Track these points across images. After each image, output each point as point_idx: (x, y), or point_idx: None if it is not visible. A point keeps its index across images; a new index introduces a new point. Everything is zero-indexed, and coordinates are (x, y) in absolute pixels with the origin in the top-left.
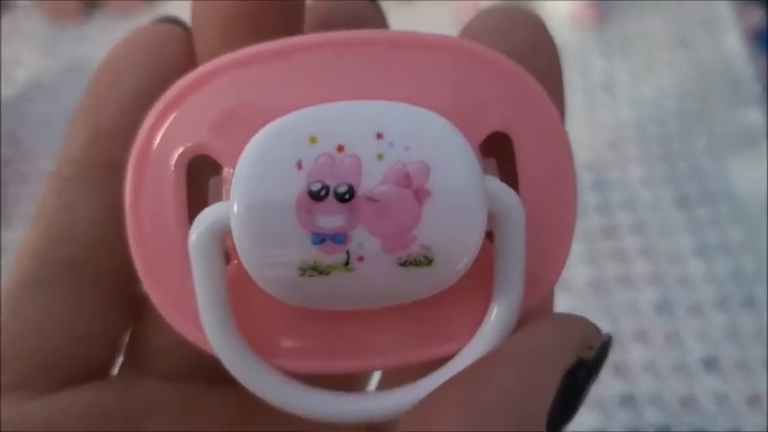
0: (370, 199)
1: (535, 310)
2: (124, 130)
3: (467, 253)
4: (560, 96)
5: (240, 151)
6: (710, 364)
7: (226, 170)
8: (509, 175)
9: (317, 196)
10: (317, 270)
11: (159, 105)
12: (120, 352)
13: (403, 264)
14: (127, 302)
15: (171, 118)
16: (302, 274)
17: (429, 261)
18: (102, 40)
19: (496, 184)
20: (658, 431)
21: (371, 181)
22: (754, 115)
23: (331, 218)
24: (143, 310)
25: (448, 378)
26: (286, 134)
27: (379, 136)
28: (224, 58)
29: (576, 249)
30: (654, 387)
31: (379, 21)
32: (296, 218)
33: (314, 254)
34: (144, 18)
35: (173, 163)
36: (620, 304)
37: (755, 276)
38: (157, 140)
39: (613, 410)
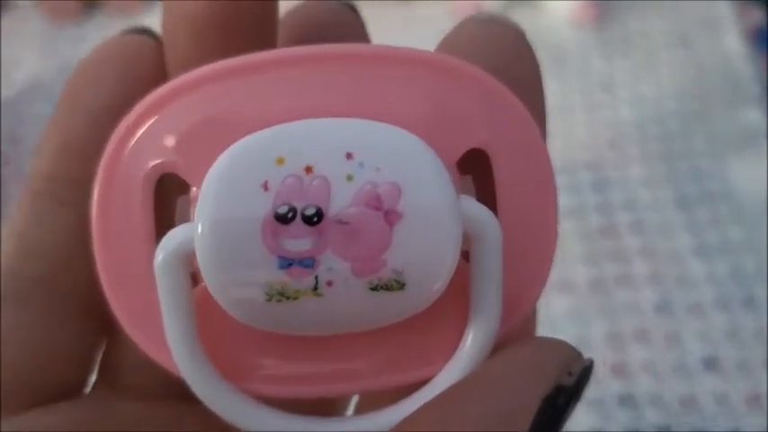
0: (340, 221)
1: (516, 332)
2: (93, 145)
3: (440, 276)
4: (541, 110)
5: (207, 170)
6: (710, 364)
7: (194, 190)
8: (487, 193)
9: (283, 219)
10: (284, 295)
11: (127, 121)
12: (94, 369)
13: (374, 288)
14: (99, 319)
15: (138, 134)
16: (269, 299)
17: (401, 285)
18: (101, 39)
19: (471, 204)
20: (658, 431)
21: (341, 203)
22: (754, 115)
23: (298, 241)
24: (116, 326)
25: (423, 403)
26: (252, 154)
27: (349, 156)
28: (193, 73)
29: (576, 249)
30: (654, 387)
31: (358, 27)
32: (262, 241)
33: (281, 278)
34: (143, 18)
35: (140, 180)
36: (620, 304)
37: (755, 276)
38: (125, 157)
39: (613, 410)
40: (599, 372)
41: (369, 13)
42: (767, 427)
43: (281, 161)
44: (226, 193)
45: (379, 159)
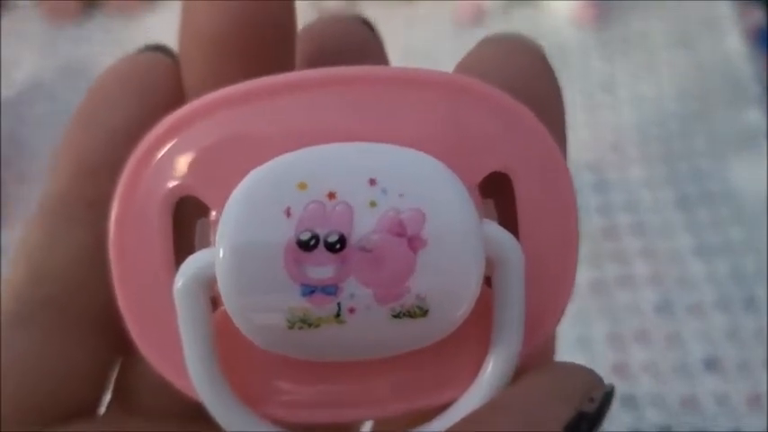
0: (363, 248)
1: (535, 356)
2: (108, 166)
3: (464, 303)
4: (562, 130)
5: (228, 194)
6: (711, 364)
7: (213, 213)
8: (508, 216)
9: (306, 246)
10: (306, 322)
11: (146, 142)
12: (108, 389)
13: (396, 315)
14: (114, 338)
15: (158, 156)
16: (290, 327)
17: (424, 312)
18: (101, 40)
19: (494, 229)
20: (659, 431)
21: (364, 229)
22: (754, 115)
23: (321, 268)
24: (130, 346)
25: (444, 429)
26: (275, 178)
27: (372, 182)
28: (213, 95)
29: None
30: (654, 388)
31: (375, 44)
32: (284, 268)
33: (303, 306)
34: (143, 18)
35: (159, 203)
36: (621, 305)
37: (756, 277)
38: (144, 179)
39: (614, 411)
40: (599, 372)
41: (371, 13)
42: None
43: (303, 186)
44: (247, 218)
45: (402, 185)
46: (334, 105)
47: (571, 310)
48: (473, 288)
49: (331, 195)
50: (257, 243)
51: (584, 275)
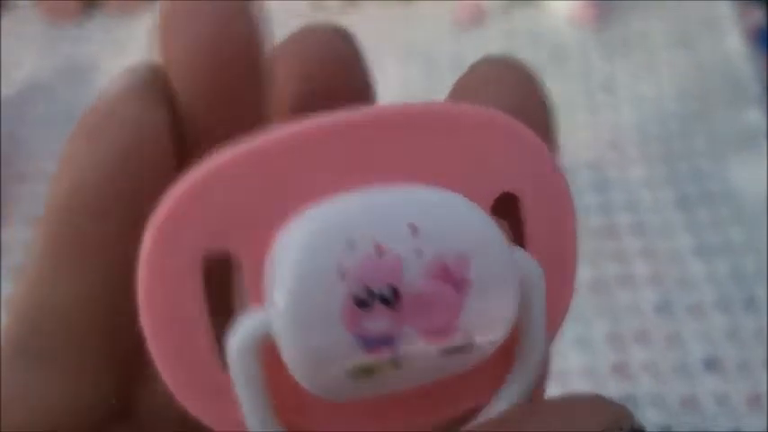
0: (414, 297)
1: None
2: (112, 182)
3: (504, 331)
4: (556, 151)
5: (263, 251)
6: (711, 364)
7: (247, 269)
8: (515, 234)
9: (363, 304)
10: (366, 372)
11: (173, 196)
12: (120, 419)
13: (447, 351)
14: (125, 370)
15: (187, 212)
16: (351, 377)
17: (471, 346)
18: (101, 39)
19: (522, 256)
20: (659, 431)
21: (413, 278)
22: (754, 116)
23: (378, 322)
24: (143, 375)
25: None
26: (323, 235)
27: (414, 229)
28: (230, 151)
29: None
30: (654, 388)
31: (355, 60)
32: (343, 326)
33: (363, 358)
34: (144, 18)
35: (189, 265)
36: (621, 305)
37: (756, 277)
38: (172, 236)
39: None
40: (600, 372)
41: (371, 13)
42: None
43: (352, 241)
44: (302, 275)
45: (442, 230)
46: (354, 149)
47: (571, 309)
48: (512, 316)
49: (379, 248)
50: (316, 306)
51: (583, 275)
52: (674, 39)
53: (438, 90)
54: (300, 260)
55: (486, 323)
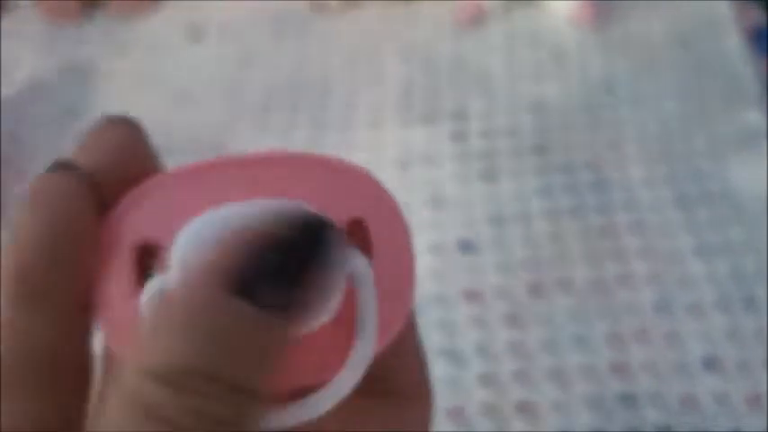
0: None
1: (392, 348)
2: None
3: (330, 308)
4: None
5: (172, 242)
6: (711, 364)
7: (163, 254)
8: (365, 250)
9: None
10: None
11: (116, 211)
12: None
13: None
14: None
15: (125, 219)
16: None
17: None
18: (101, 40)
19: (356, 254)
20: (658, 430)
21: None
22: (753, 116)
23: None
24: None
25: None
26: (201, 230)
27: None
28: (157, 178)
29: (576, 249)
30: (654, 387)
31: (142, 142)
32: None
33: None
34: (143, 19)
35: (129, 251)
36: (620, 304)
37: (755, 276)
38: (117, 232)
39: (613, 410)
40: (599, 371)
41: (371, 14)
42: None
43: (221, 237)
44: (189, 253)
45: None
46: (232, 179)
47: (570, 308)
48: (340, 292)
49: None
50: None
51: (583, 274)
52: (673, 39)
53: (438, 89)
54: (187, 242)
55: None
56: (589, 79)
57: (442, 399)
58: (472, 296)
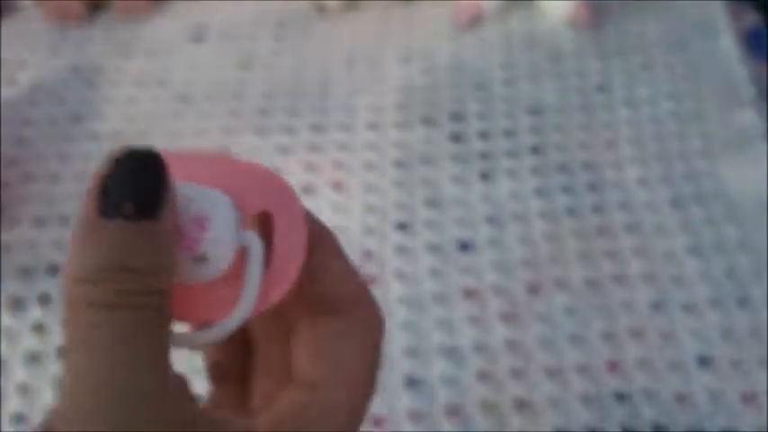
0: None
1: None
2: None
3: (224, 259)
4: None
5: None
6: (705, 362)
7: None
8: (267, 236)
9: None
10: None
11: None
12: None
13: (194, 259)
14: None
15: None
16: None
17: (207, 260)
18: (106, 42)
19: (251, 233)
20: (654, 428)
21: (184, 221)
22: (748, 117)
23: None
24: None
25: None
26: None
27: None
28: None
29: (573, 248)
30: (649, 384)
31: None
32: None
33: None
34: (147, 21)
35: None
36: (617, 303)
37: (750, 276)
38: None
39: (609, 407)
40: (595, 369)
41: (371, 15)
42: (767, 426)
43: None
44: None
45: (203, 206)
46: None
47: (567, 306)
48: (230, 254)
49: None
50: None
51: (579, 272)
52: (668, 41)
53: (437, 89)
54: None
55: (215, 252)
56: (585, 80)
57: (441, 396)
58: (470, 295)
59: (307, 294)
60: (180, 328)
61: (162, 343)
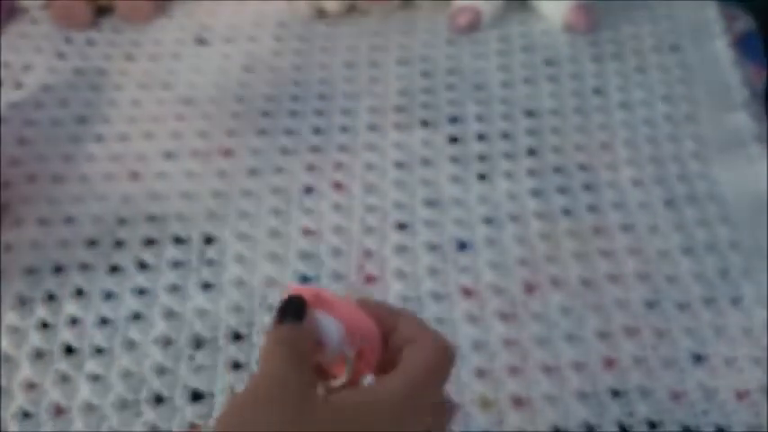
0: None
1: None
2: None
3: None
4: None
5: None
6: (699, 359)
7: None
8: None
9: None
10: None
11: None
12: None
13: None
14: None
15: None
16: None
17: None
18: (111, 45)
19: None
20: (649, 425)
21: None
22: (740, 119)
23: None
24: None
25: None
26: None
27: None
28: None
29: (569, 248)
30: (644, 382)
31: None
32: None
33: None
34: (153, 25)
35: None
36: (611, 301)
37: (742, 275)
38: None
39: (605, 404)
40: (590, 366)
41: (370, 19)
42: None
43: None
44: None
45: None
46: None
47: (563, 305)
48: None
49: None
50: None
51: (575, 271)
52: (663, 44)
53: (435, 92)
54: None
55: (331, 353)
56: (581, 82)
57: None
58: (468, 293)
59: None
60: None
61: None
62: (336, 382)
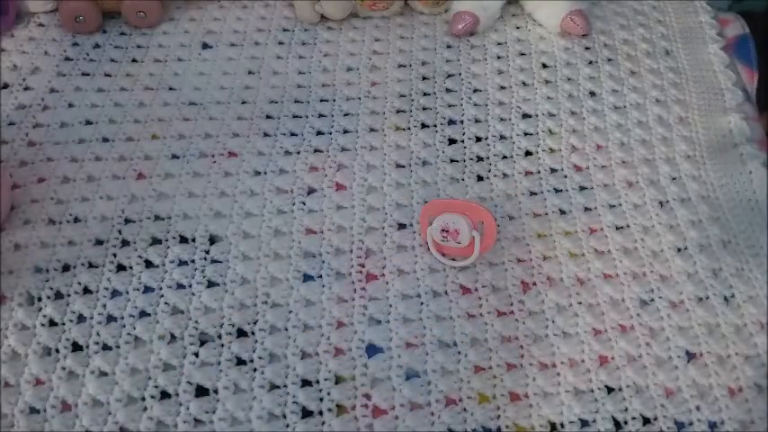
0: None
1: None
2: None
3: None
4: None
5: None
6: (692, 357)
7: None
8: None
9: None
10: None
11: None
12: None
13: None
14: None
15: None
16: None
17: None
18: (117, 49)
19: (474, 231)
20: (643, 422)
21: None
22: (733, 122)
23: None
24: None
25: None
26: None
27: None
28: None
29: (564, 247)
30: (638, 379)
31: None
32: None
33: None
34: (159, 30)
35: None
36: (605, 300)
37: (734, 274)
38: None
39: (599, 401)
40: (585, 364)
41: (370, 24)
42: None
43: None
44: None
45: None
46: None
47: (558, 303)
48: (468, 238)
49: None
50: None
51: (570, 272)
52: (657, 47)
53: (434, 93)
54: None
55: (463, 238)
56: (576, 86)
57: (439, 389)
58: (467, 291)
59: None
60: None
61: None
62: (470, 259)
